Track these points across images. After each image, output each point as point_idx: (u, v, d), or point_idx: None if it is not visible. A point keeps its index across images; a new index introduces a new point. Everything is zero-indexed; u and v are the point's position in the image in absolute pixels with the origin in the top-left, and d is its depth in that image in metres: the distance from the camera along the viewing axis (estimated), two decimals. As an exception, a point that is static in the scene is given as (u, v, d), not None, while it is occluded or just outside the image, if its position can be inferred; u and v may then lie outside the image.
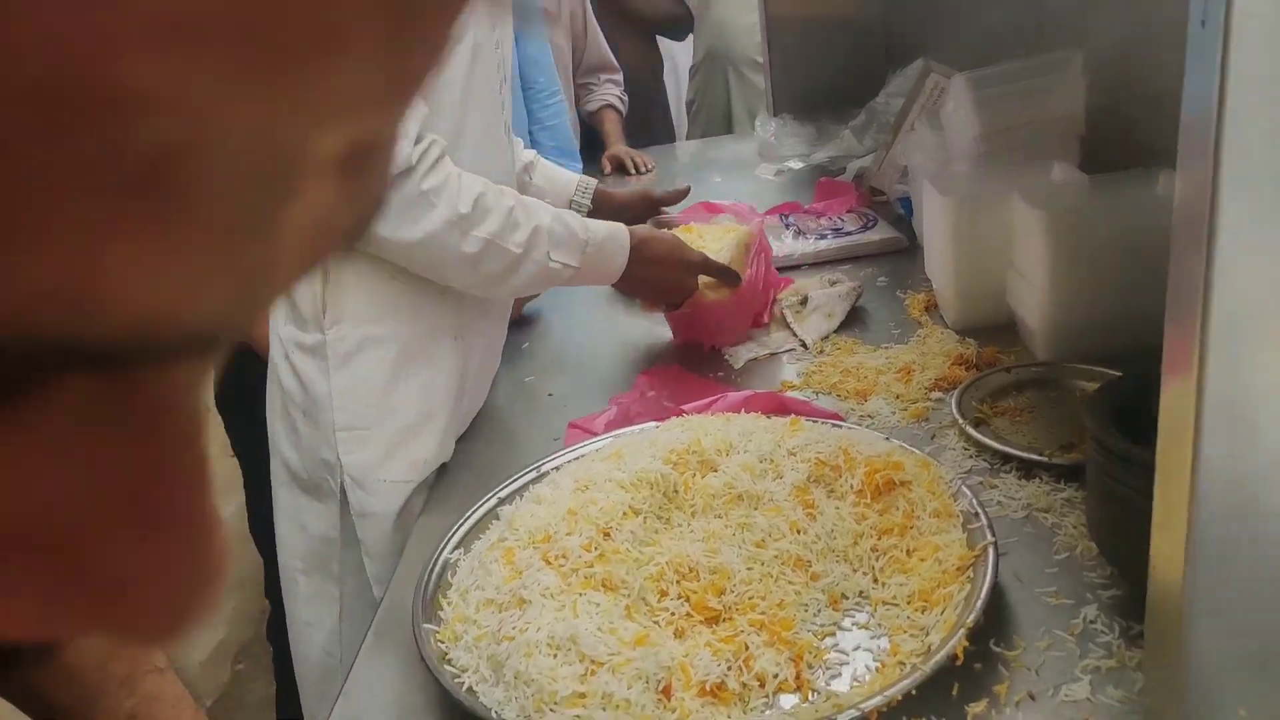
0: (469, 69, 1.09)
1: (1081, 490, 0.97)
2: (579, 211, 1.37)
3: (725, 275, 1.34)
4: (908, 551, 0.91)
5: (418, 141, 1.00)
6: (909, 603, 0.86)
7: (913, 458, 1.01)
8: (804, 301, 1.46)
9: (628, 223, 1.29)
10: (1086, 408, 0.85)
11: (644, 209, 1.50)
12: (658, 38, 3.26)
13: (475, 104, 1.11)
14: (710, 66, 3.57)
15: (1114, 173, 1.28)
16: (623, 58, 2.90)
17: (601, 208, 1.44)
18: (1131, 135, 1.38)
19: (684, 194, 1.48)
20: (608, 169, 2.65)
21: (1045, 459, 1.03)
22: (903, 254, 1.71)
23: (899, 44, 2.61)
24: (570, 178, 1.45)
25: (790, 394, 1.25)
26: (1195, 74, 0.53)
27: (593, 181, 1.46)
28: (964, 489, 0.96)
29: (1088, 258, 1.17)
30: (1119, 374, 1.13)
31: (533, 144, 2.32)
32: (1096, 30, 1.49)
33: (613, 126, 2.83)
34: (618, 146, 2.74)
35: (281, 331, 1.14)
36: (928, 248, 1.44)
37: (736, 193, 2.30)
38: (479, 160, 1.12)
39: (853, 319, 1.46)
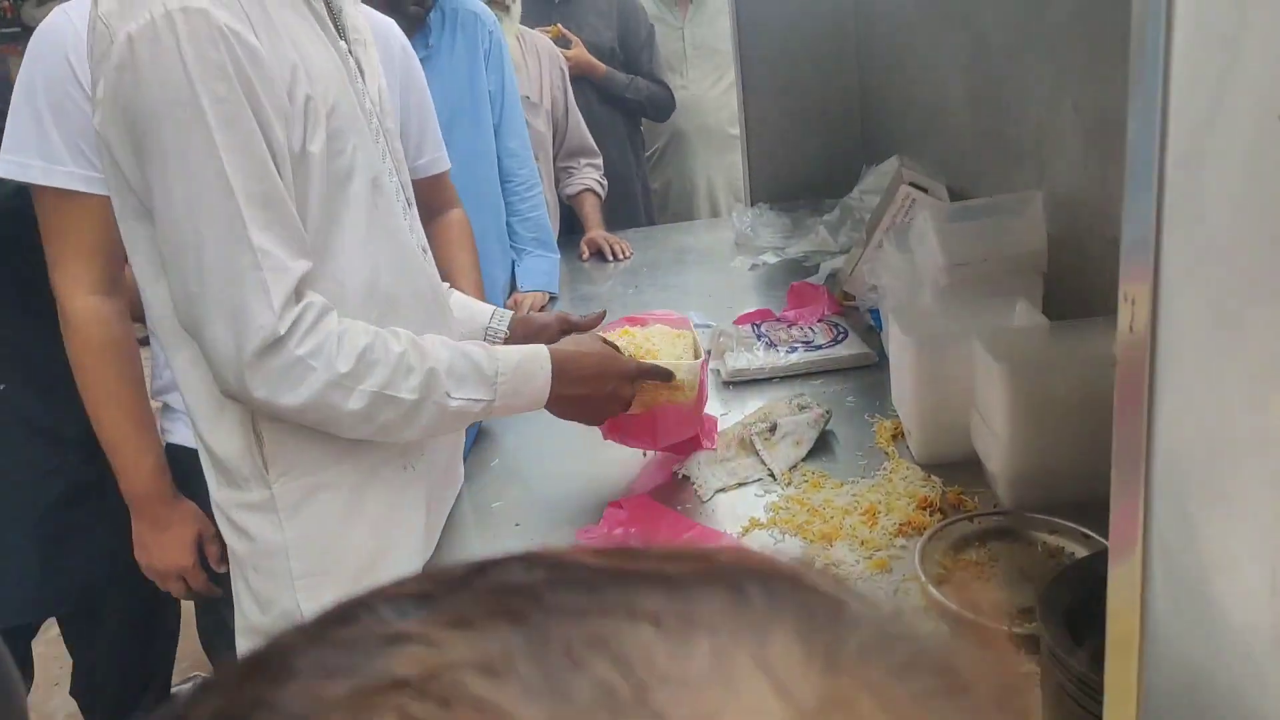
0: (369, 205, 1.08)
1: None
2: (493, 341, 1.32)
3: (660, 375, 1.28)
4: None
5: (295, 303, 0.98)
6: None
7: (872, 628, 1.02)
8: (773, 429, 1.47)
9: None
10: (1041, 608, 0.86)
11: (562, 334, 1.41)
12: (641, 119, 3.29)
13: (379, 237, 1.10)
14: (680, 146, 3.61)
15: (1074, 320, 1.30)
16: (604, 140, 2.93)
17: (518, 336, 1.36)
18: (1093, 274, 1.41)
19: (599, 319, 1.39)
20: (586, 254, 2.67)
21: (1003, 628, 1.03)
22: (871, 370, 1.73)
23: (874, 138, 2.66)
24: (485, 309, 1.39)
25: (754, 534, 1.26)
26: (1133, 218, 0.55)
27: (508, 313, 1.39)
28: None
29: (1048, 408, 1.19)
30: (1079, 534, 1.15)
31: (511, 235, 2.35)
32: (1056, 166, 1.52)
33: (592, 210, 2.86)
34: (596, 231, 2.76)
35: (218, 497, 1.12)
36: (894, 380, 1.46)
37: (711, 286, 2.34)
38: (392, 289, 1.12)
39: (821, 445, 1.47)
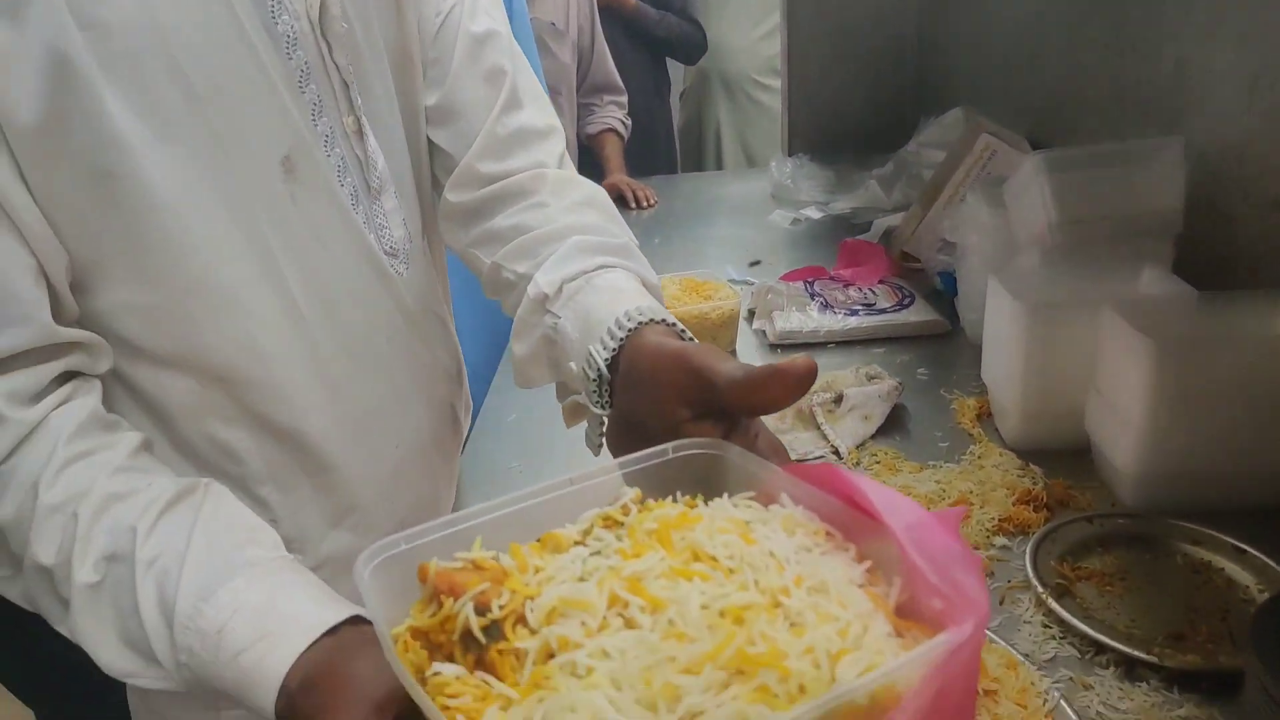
0: (267, 195, 0.74)
1: (1209, 709, 0.77)
2: (594, 362, 0.70)
3: None
4: (996, 792, 0.70)
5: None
6: None
7: (996, 653, 0.81)
8: (838, 400, 1.25)
9: (654, 397, 0.63)
10: (1254, 641, 0.65)
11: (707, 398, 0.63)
12: (667, 60, 3.05)
13: (288, 241, 0.76)
14: (703, 90, 3.37)
15: (1222, 292, 1.09)
16: (628, 80, 2.69)
17: (634, 357, 0.68)
18: (1238, 242, 1.20)
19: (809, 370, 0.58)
20: (604, 198, 2.44)
21: (1154, 659, 0.83)
22: (944, 339, 1.52)
23: (932, 87, 2.43)
24: (607, 313, 0.72)
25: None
26: None
27: (638, 318, 0.69)
28: (1064, 705, 0.76)
29: (1199, 395, 0.98)
30: (1230, 548, 0.94)
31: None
32: (1197, 114, 1.30)
33: (613, 152, 2.62)
34: (617, 175, 2.53)
35: None
36: (989, 352, 1.24)
37: (748, 241, 2.11)
38: (308, 314, 0.79)
39: (892, 421, 1.26)
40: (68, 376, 0.70)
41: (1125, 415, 1.03)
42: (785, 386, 0.55)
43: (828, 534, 0.49)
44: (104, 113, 0.64)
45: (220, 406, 0.78)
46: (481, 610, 0.45)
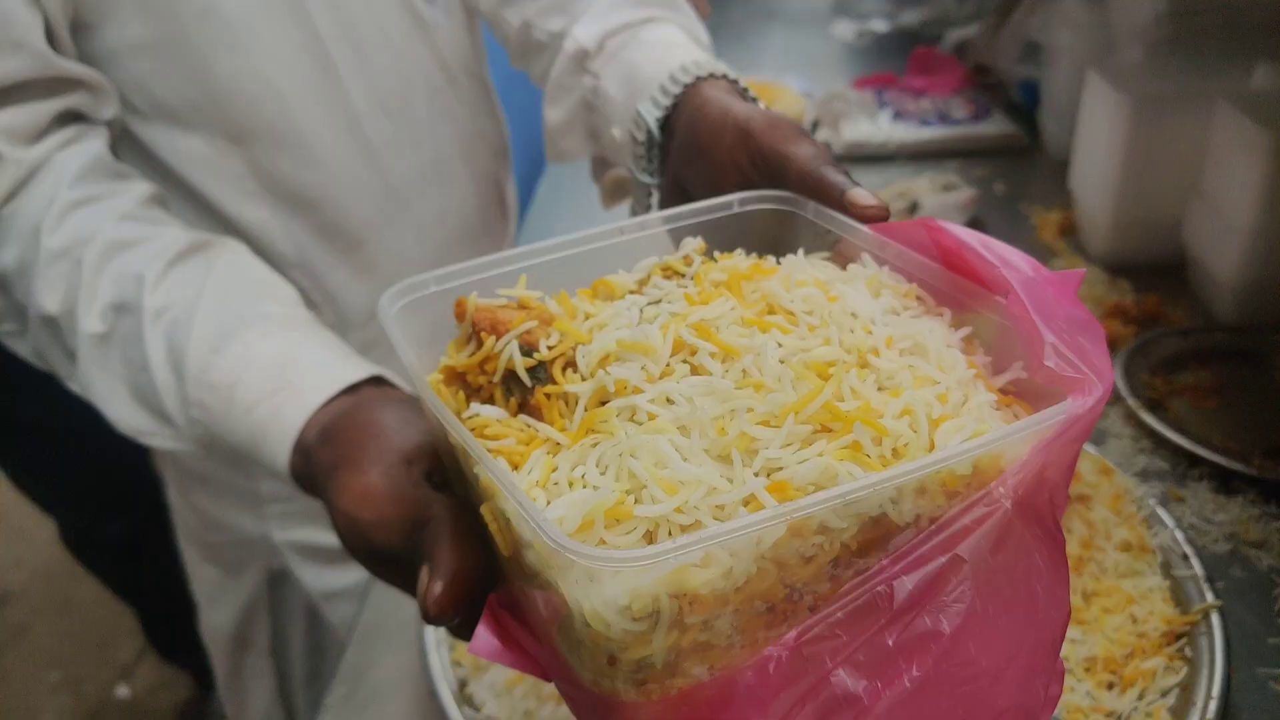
0: None
1: (1311, 524, 0.73)
2: (643, 123, 0.61)
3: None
4: (1085, 596, 0.67)
5: None
6: (1089, 672, 0.63)
7: (1088, 459, 0.77)
8: (912, 209, 1.18)
9: (713, 171, 0.55)
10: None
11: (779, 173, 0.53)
12: None
13: None
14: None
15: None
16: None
17: (691, 120, 0.58)
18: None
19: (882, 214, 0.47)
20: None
21: (1253, 471, 0.78)
22: (1022, 154, 1.42)
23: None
24: (659, 68, 0.64)
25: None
26: None
27: (701, 65, 0.60)
28: (1160, 512, 0.72)
29: (1318, 198, 0.90)
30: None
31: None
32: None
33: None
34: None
35: None
36: (1081, 156, 1.15)
37: (809, 52, 1.98)
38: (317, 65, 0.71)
39: (967, 234, 1.18)
40: (70, 118, 0.64)
41: (1231, 220, 0.95)
42: (853, 218, 0.47)
43: (918, 297, 0.44)
44: None
45: (239, 176, 0.71)
46: (527, 350, 0.40)
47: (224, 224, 0.73)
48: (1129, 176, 1.05)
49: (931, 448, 0.37)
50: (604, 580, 0.32)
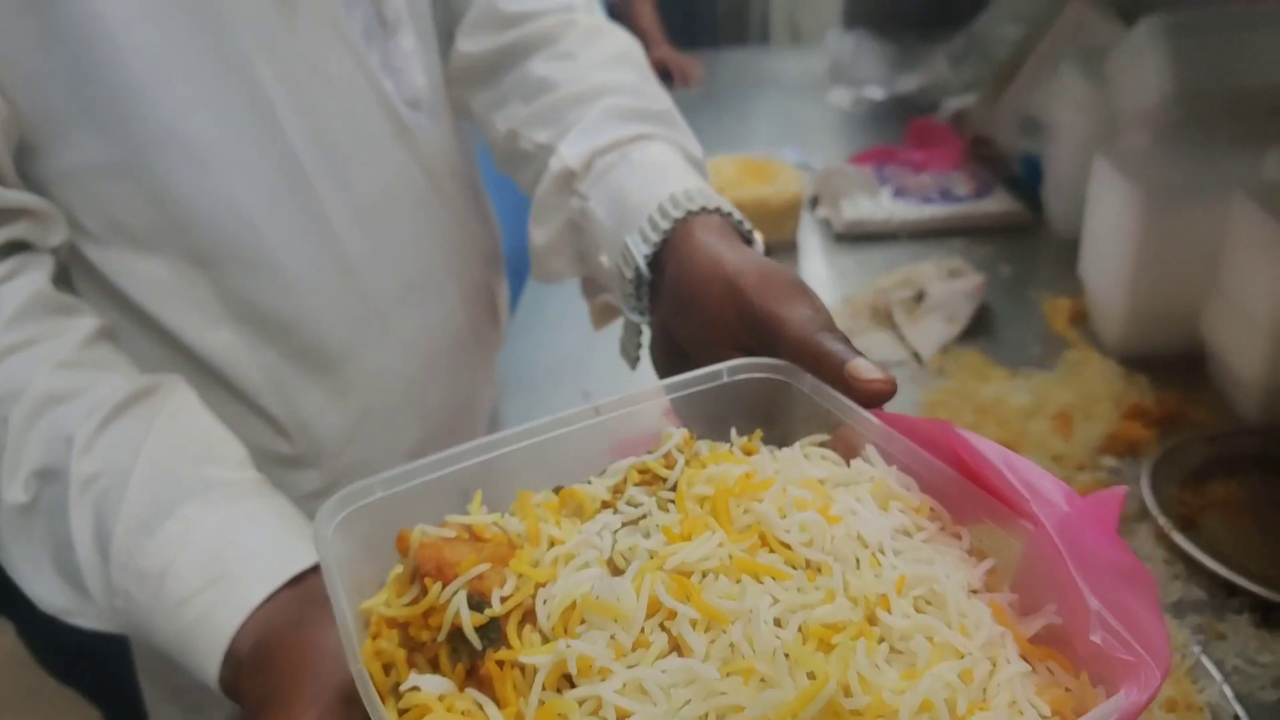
0: (254, 24, 0.61)
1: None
2: (631, 259, 0.57)
3: None
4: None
5: None
6: None
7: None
8: (919, 298, 1.13)
9: (702, 326, 0.51)
10: None
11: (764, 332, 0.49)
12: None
13: (288, 83, 0.63)
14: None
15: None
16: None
17: (680, 266, 0.55)
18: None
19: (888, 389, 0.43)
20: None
21: (1294, 602, 0.72)
22: (1027, 232, 1.38)
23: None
24: (651, 196, 0.59)
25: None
26: None
27: (692, 196, 0.57)
28: (1204, 661, 0.66)
29: (1346, 298, 0.85)
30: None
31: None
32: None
33: (650, 22, 2.43)
34: (662, 49, 2.35)
35: None
36: (1092, 245, 1.10)
37: (805, 121, 1.95)
38: (304, 172, 0.66)
39: (976, 324, 1.14)
40: (12, 249, 0.58)
41: (1254, 317, 0.90)
42: (854, 394, 0.41)
43: (931, 511, 0.38)
44: None
45: (203, 301, 0.66)
46: (478, 602, 0.34)
47: (185, 354, 0.68)
48: (1143, 268, 1.00)
49: None
50: None
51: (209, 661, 0.47)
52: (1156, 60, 1.10)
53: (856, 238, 1.38)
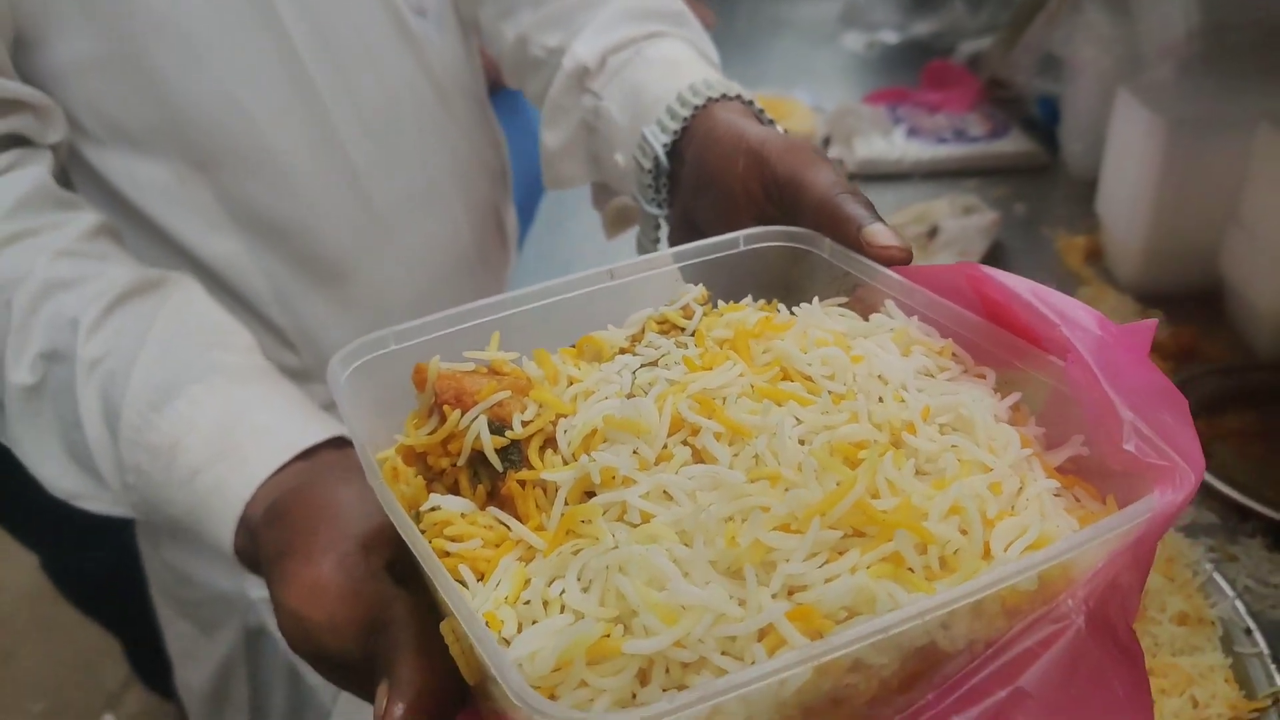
0: None
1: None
2: (649, 149, 0.56)
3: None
4: (1136, 674, 0.61)
5: None
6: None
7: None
8: (932, 233, 1.11)
9: (724, 202, 0.50)
10: None
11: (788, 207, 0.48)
12: None
13: None
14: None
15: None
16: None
17: (701, 146, 0.53)
18: None
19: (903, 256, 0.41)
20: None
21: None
22: (1042, 173, 1.36)
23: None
24: (667, 88, 0.58)
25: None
26: None
27: (711, 85, 0.55)
28: (1217, 577, 0.66)
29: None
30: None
31: None
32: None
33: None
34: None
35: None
36: (1111, 179, 1.08)
37: (818, 64, 1.92)
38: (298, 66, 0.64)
39: (989, 260, 1.12)
40: (11, 142, 0.57)
41: (1275, 250, 0.89)
42: (871, 258, 0.41)
43: (954, 354, 0.38)
44: None
45: (205, 205, 0.65)
46: (498, 427, 0.34)
47: (187, 259, 0.67)
48: (1163, 201, 0.98)
49: (987, 554, 0.31)
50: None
51: (223, 528, 0.47)
52: (1182, -8, 1.07)
53: (870, 176, 1.36)
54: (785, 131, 0.52)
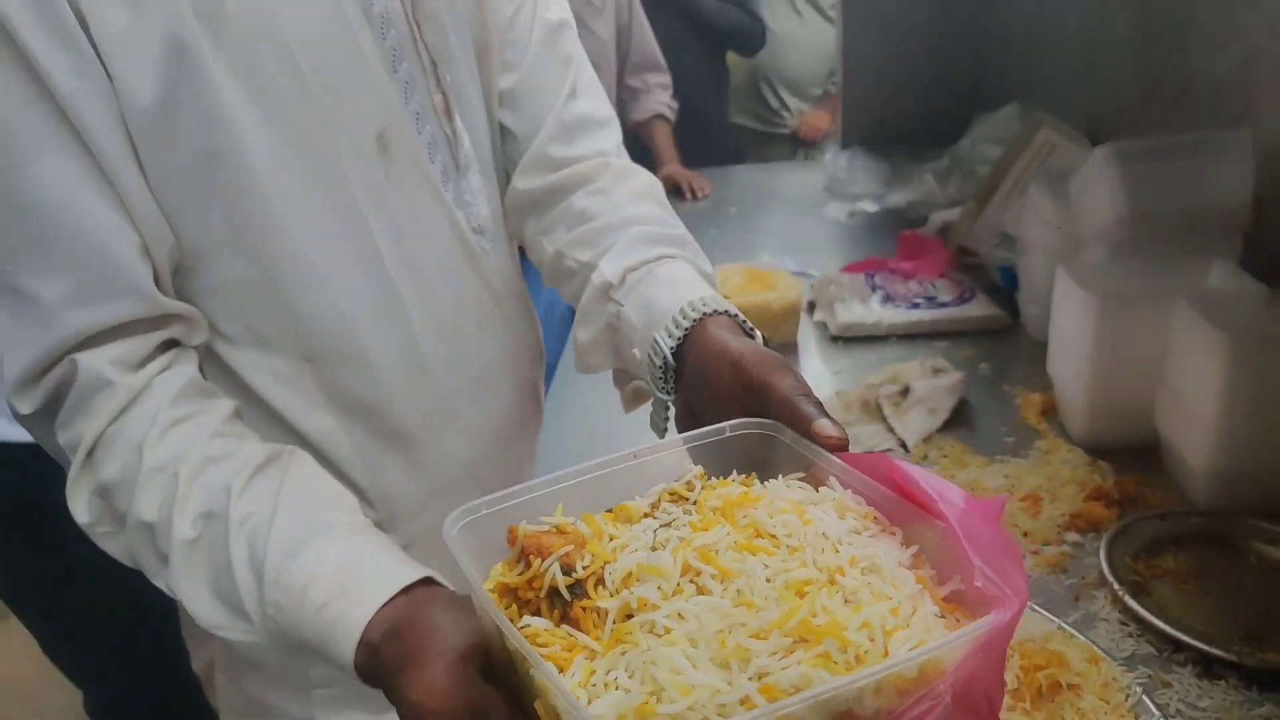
0: (362, 170, 0.75)
1: (1288, 710, 0.77)
2: (660, 350, 0.71)
3: None
4: (1078, 786, 0.71)
5: (52, 369, 0.70)
6: None
7: (1077, 647, 0.82)
8: (905, 392, 1.26)
9: (714, 398, 0.65)
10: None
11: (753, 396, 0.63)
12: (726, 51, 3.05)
13: (377, 213, 0.77)
14: (751, 86, 3.38)
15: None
16: (686, 70, 2.69)
17: (698, 354, 0.69)
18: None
19: (842, 444, 0.56)
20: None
21: (1233, 658, 0.83)
22: (1005, 334, 1.51)
23: (986, 84, 2.41)
24: (670, 303, 0.74)
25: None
26: None
27: (701, 309, 0.71)
28: (1146, 700, 0.77)
29: (1272, 392, 0.97)
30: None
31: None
32: (1265, 108, 1.28)
33: (664, 141, 2.63)
34: (672, 166, 2.54)
35: None
36: (1057, 346, 1.24)
37: (804, 233, 2.11)
38: (394, 287, 0.80)
39: (956, 416, 1.26)
40: (168, 345, 0.73)
41: (1197, 411, 1.02)
42: (819, 445, 0.56)
43: (875, 519, 0.52)
44: (215, 95, 0.67)
45: (309, 390, 0.80)
46: (566, 570, 0.48)
47: (293, 434, 0.81)
48: (1100, 366, 1.13)
49: (885, 654, 0.44)
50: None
51: (346, 648, 0.60)
52: (1112, 184, 1.25)
53: (850, 339, 1.52)
54: (764, 340, 0.67)
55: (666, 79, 2.62)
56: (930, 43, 2.48)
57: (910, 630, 0.43)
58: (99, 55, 0.64)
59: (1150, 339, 1.10)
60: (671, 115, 2.64)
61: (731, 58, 3.13)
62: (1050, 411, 1.27)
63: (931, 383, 1.26)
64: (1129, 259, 1.22)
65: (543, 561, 0.48)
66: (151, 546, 0.68)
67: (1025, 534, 1.03)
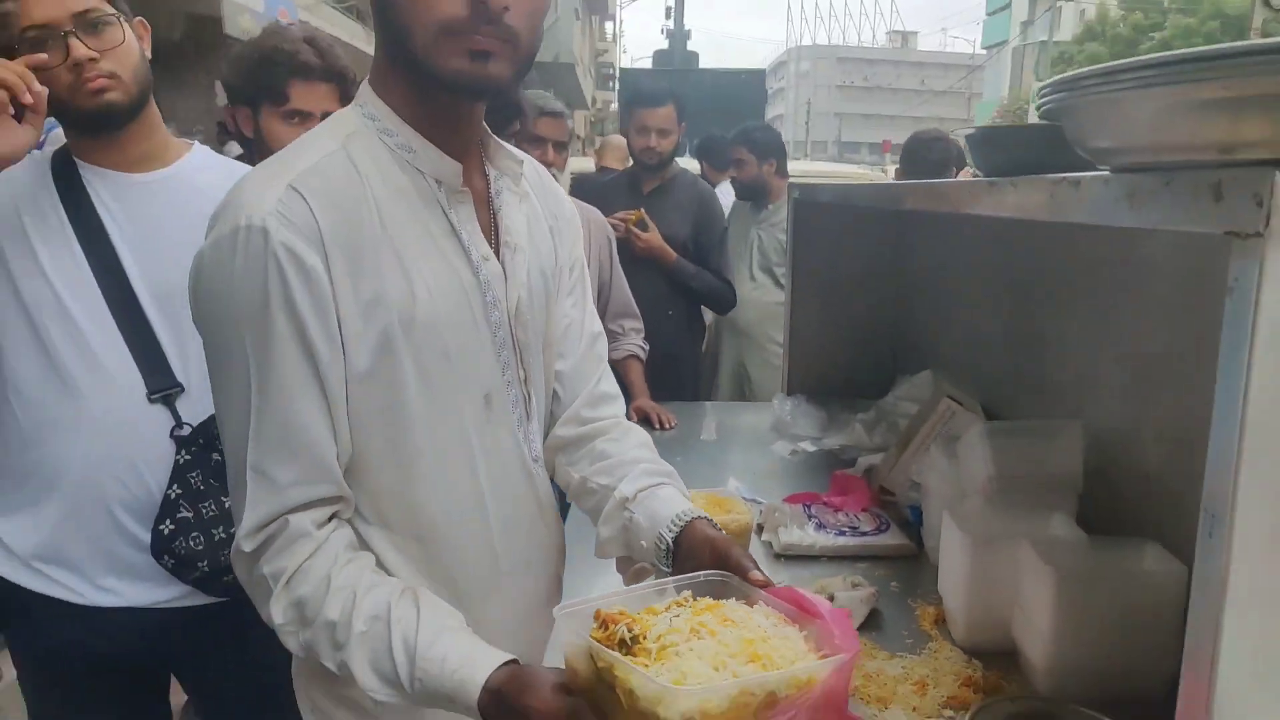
0: (477, 420, 1.17)
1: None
2: (664, 541, 1.16)
3: None
4: None
5: (275, 521, 1.06)
6: None
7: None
8: (830, 599, 1.64)
9: (696, 567, 1.07)
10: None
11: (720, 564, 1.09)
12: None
13: (478, 452, 1.18)
14: (719, 331, 3.94)
15: (1110, 536, 1.51)
16: (662, 319, 3.21)
17: (687, 542, 1.15)
18: (1120, 500, 1.63)
19: (765, 584, 1.05)
20: (634, 419, 2.89)
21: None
22: (911, 560, 1.92)
23: (908, 350, 2.94)
24: (665, 513, 1.18)
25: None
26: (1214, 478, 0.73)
27: (690, 517, 1.16)
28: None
29: (1089, 611, 1.38)
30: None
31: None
32: (1092, 403, 1.77)
33: (637, 377, 3.08)
34: (643, 400, 2.98)
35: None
36: (943, 571, 1.65)
37: (755, 465, 2.54)
38: (484, 502, 1.20)
39: (869, 621, 1.65)
40: (334, 515, 1.12)
41: (1038, 625, 1.42)
42: (752, 583, 1.01)
43: (783, 617, 0.95)
44: (400, 369, 1.09)
45: (416, 560, 1.18)
46: (628, 630, 0.90)
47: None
48: (972, 590, 1.53)
49: (792, 664, 0.85)
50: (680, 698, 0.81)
51: (473, 695, 0.99)
52: (984, 452, 1.70)
53: (790, 557, 1.92)
54: (723, 530, 1.13)
55: (639, 324, 3.11)
56: (862, 314, 3.03)
57: (803, 660, 0.86)
58: (343, 340, 1.06)
59: (1008, 570, 1.51)
60: (644, 355, 3.11)
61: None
62: (940, 620, 1.66)
63: (851, 594, 1.65)
64: (995, 509, 1.65)
65: (615, 626, 0.89)
66: (331, 638, 1.06)
67: (914, 709, 1.40)
